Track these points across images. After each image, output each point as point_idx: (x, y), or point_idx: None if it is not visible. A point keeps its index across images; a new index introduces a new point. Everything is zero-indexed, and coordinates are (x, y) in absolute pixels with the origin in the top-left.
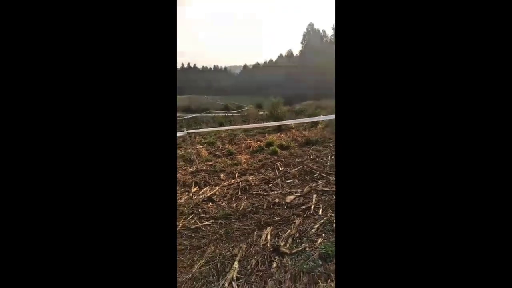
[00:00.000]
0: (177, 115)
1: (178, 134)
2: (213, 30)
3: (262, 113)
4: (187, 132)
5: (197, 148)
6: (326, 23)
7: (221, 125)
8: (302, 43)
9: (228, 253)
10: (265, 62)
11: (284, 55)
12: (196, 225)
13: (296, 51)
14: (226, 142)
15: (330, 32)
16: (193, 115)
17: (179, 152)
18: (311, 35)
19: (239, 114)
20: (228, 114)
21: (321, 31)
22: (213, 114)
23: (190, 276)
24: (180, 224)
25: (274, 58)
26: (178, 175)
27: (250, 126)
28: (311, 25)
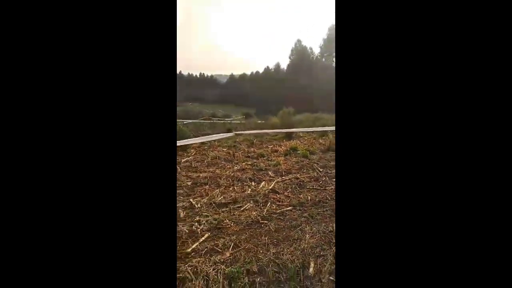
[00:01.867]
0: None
1: (226, 135)
2: (202, 37)
3: (259, 122)
4: (235, 133)
5: (233, 148)
6: (314, 41)
7: (229, 130)
8: (290, 57)
9: (325, 229)
10: (251, 73)
11: (271, 68)
12: (280, 210)
13: (283, 64)
14: (246, 146)
15: (317, 50)
16: (191, 120)
17: (218, 152)
18: (298, 50)
19: (239, 122)
20: (227, 122)
21: (308, 48)
22: (212, 121)
23: (308, 245)
24: (265, 209)
25: (261, 70)
26: (227, 172)
27: (277, 130)
28: (299, 41)
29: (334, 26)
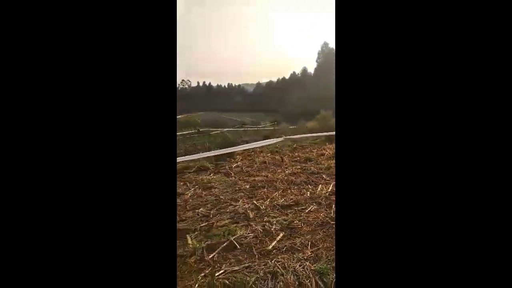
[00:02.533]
0: (205, 129)
1: (275, 140)
2: (227, 49)
3: (292, 127)
4: (284, 138)
5: (277, 153)
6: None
7: (266, 137)
8: (316, 61)
9: None
10: (278, 80)
11: (298, 73)
12: None
13: (310, 68)
14: (289, 151)
15: None
16: (221, 129)
17: (264, 158)
18: (325, 53)
19: (272, 128)
20: (261, 128)
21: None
22: (244, 129)
23: None
24: (332, 211)
25: (287, 76)
26: (280, 176)
27: (319, 134)
28: (325, 44)
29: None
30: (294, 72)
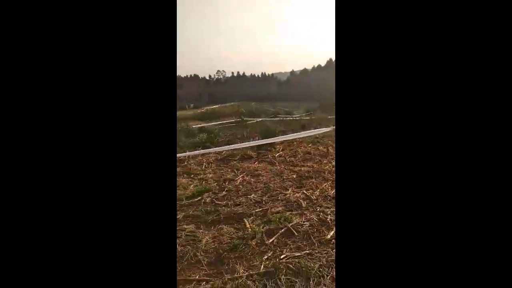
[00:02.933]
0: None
1: (325, 129)
2: (261, 38)
3: (330, 117)
4: (333, 128)
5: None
6: None
7: (303, 126)
8: None
9: None
10: (313, 67)
11: (333, 59)
12: None
13: None
14: (331, 141)
15: None
16: (260, 119)
17: (305, 148)
18: None
19: (308, 118)
20: (296, 118)
21: None
22: (280, 118)
23: None
24: None
25: (323, 63)
26: (327, 167)
27: None
28: None
29: None
30: (330, 59)
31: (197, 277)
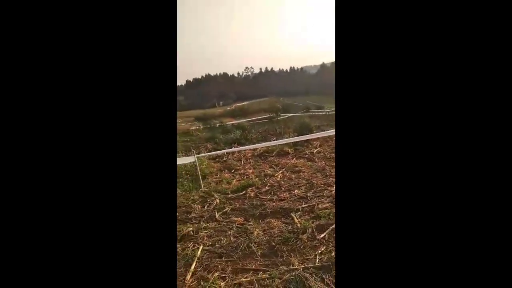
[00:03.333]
0: (274, 115)
1: None
2: (290, 30)
3: None
4: None
5: None
6: None
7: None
8: None
9: None
10: None
11: None
12: None
13: None
14: None
15: None
16: (290, 114)
17: None
18: None
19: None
20: (330, 112)
21: None
22: (311, 113)
23: None
24: None
25: None
26: None
27: None
28: None
29: None
30: None
31: (253, 266)
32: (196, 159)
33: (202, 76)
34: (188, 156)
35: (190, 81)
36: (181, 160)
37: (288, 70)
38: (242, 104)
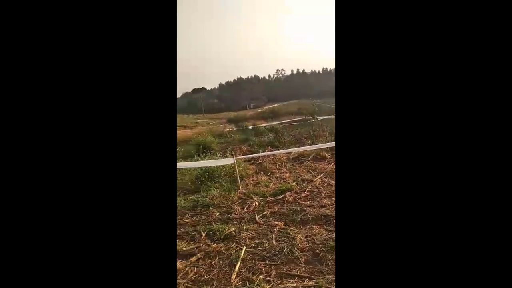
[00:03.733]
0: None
1: None
2: (318, 32)
3: None
4: None
5: None
6: None
7: None
8: None
9: None
10: None
11: None
12: None
13: None
14: None
15: None
16: (325, 117)
17: None
18: None
19: None
20: None
21: None
22: None
23: None
24: None
25: None
26: None
27: None
28: None
29: None
30: None
31: (298, 272)
32: (235, 161)
33: (234, 80)
34: (224, 157)
35: (223, 84)
36: (220, 162)
37: (321, 72)
38: (272, 106)
